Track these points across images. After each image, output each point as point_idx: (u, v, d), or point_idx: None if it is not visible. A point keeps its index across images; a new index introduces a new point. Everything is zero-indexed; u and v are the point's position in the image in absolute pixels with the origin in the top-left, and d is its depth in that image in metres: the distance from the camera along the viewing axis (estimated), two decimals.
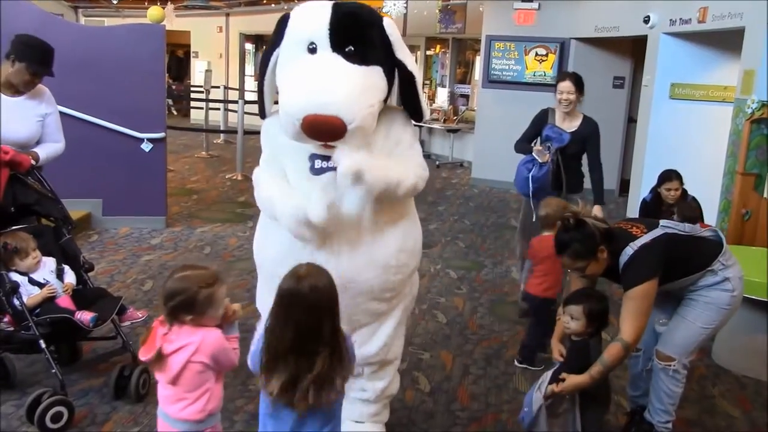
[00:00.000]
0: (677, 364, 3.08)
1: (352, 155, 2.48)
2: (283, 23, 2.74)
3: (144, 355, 2.35)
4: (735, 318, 3.77)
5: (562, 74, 4.86)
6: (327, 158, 2.64)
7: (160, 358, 2.31)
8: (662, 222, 3.13)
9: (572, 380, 2.83)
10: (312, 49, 2.59)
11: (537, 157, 4.60)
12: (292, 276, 2.10)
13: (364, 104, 2.49)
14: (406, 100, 2.86)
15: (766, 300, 3.95)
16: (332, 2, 2.69)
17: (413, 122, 2.93)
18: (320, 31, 2.58)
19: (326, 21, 2.58)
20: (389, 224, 2.77)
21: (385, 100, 2.77)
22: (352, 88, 2.48)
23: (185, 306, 2.29)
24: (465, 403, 3.67)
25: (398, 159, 2.74)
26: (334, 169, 2.58)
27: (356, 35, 2.60)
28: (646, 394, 3.27)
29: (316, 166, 2.67)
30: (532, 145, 4.79)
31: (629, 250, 2.92)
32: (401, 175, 2.65)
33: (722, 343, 4.32)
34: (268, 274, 2.91)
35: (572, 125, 4.73)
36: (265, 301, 3.00)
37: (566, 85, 4.67)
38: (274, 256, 2.84)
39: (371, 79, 2.59)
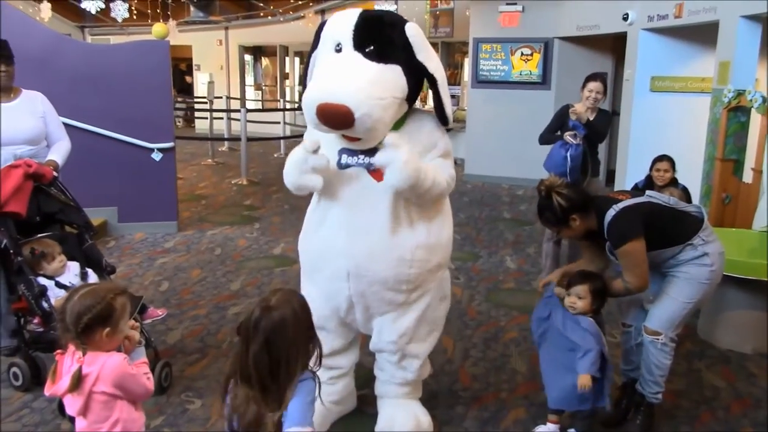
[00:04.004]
0: (664, 337, 3.19)
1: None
2: (319, 29, 2.96)
3: (49, 389, 2.15)
4: (718, 295, 3.94)
5: (593, 74, 5.23)
6: (353, 153, 2.86)
7: (80, 378, 2.10)
8: (648, 192, 3.30)
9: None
10: (338, 49, 2.81)
11: (570, 140, 5.02)
12: (263, 309, 2.00)
13: (373, 95, 2.63)
14: (434, 103, 2.96)
15: (746, 278, 4.08)
16: (361, 9, 2.91)
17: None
18: (346, 33, 2.79)
19: (352, 23, 2.79)
20: (409, 219, 2.92)
21: (410, 102, 2.91)
22: (362, 81, 2.65)
23: (103, 317, 2.11)
24: (466, 383, 3.81)
25: (432, 165, 2.88)
26: (359, 165, 2.85)
27: (376, 35, 2.78)
28: (637, 368, 3.37)
29: (342, 161, 2.88)
30: (557, 134, 5.18)
31: (611, 212, 3.07)
32: (435, 181, 2.81)
33: (707, 319, 4.47)
34: (301, 261, 3.23)
35: (591, 117, 5.19)
36: (304, 290, 3.23)
37: (597, 85, 5.14)
38: (301, 238, 3.18)
39: (387, 75, 2.74)
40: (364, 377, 3.43)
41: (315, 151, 2.77)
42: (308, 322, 2.07)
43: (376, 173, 2.85)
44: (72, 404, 2.17)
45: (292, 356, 1.98)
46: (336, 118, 2.62)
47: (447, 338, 4.39)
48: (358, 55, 2.76)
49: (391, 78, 2.77)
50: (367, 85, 2.65)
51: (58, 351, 2.19)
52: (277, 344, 1.95)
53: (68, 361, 2.15)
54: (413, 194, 2.79)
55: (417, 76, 2.87)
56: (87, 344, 2.12)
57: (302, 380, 2.02)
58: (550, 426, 3.29)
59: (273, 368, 1.96)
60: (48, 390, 2.17)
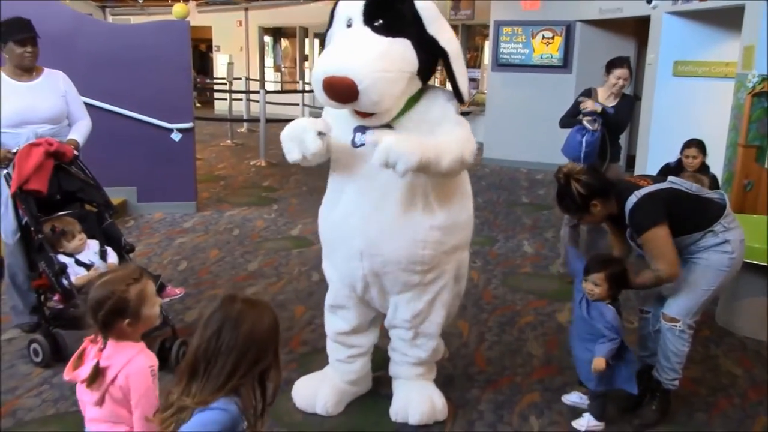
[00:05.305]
0: (682, 324, 3.17)
1: (382, 133, 2.65)
2: (334, 8, 2.97)
3: (68, 374, 2.12)
4: (736, 282, 3.91)
5: (619, 60, 5.10)
6: (367, 131, 2.85)
7: (98, 373, 2.05)
8: (671, 178, 3.26)
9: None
10: (349, 25, 2.82)
11: (588, 126, 4.93)
12: (226, 299, 1.88)
13: (378, 68, 2.62)
14: (449, 78, 2.90)
15: (766, 265, 4.05)
16: None
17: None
18: (357, 8, 2.79)
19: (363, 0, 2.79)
20: (425, 200, 2.90)
21: (424, 77, 2.88)
22: (368, 54, 2.65)
23: (118, 310, 2.05)
24: (481, 367, 3.83)
25: (442, 136, 2.82)
26: (373, 144, 2.78)
27: (386, 9, 2.77)
28: (653, 354, 3.35)
29: (356, 140, 2.89)
30: (579, 117, 5.08)
31: (633, 198, 3.06)
32: (440, 150, 2.69)
33: (725, 306, 4.45)
34: (321, 240, 3.24)
35: (614, 101, 5.10)
36: (324, 268, 3.29)
37: (624, 72, 5.04)
38: (319, 217, 3.18)
39: (395, 49, 2.73)
40: (380, 359, 3.45)
41: (320, 133, 2.76)
42: (265, 343, 1.84)
43: None
44: (86, 392, 2.11)
45: (233, 360, 1.78)
46: (340, 90, 2.63)
47: (463, 322, 4.40)
48: (367, 30, 2.76)
49: (400, 52, 2.75)
50: (372, 58, 2.64)
51: (89, 337, 2.14)
52: (227, 337, 1.78)
53: (92, 351, 2.11)
54: (429, 172, 2.72)
55: (429, 51, 2.83)
56: (110, 335, 2.08)
57: (215, 408, 1.77)
58: (574, 395, 3.42)
59: (211, 358, 1.79)
60: (68, 374, 2.13)
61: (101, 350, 2.07)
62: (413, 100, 2.90)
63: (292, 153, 2.79)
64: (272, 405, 1.92)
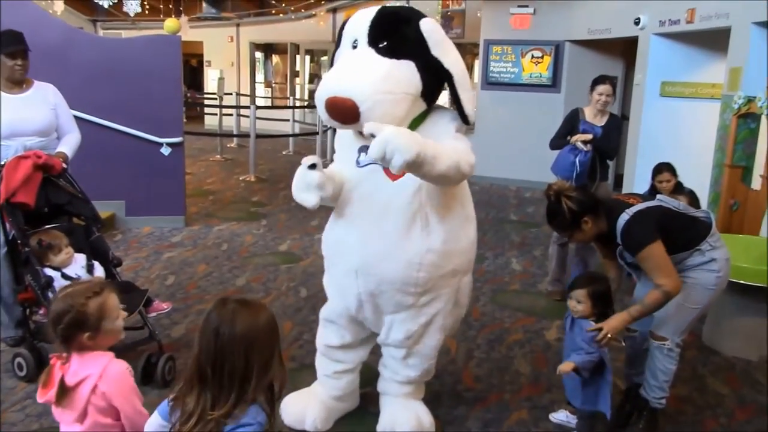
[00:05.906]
0: (670, 343, 3.18)
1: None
2: (342, 28, 2.98)
3: (42, 396, 2.08)
4: (724, 302, 3.95)
5: (601, 78, 5.17)
6: None
7: (64, 391, 2.03)
8: (659, 196, 3.30)
9: (612, 323, 2.95)
10: (355, 46, 2.84)
11: (581, 146, 4.98)
12: (219, 301, 1.87)
13: (381, 90, 2.63)
14: (454, 100, 2.90)
15: (754, 285, 4.05)
16: (380, 6, 2.91)
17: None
18: (362, 29, 2.81)
19: (368, 20, 2.80)
20: (424, 222, 2.88)
21: (428, 99, 2.90)
22: (371, 75, 2.66)
23: (76, 324, 2.02)
24: (469, 384, 3.82)
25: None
26: (376, 163, 2.76)
27: (390, 31, 2.78)
28: (641, 372, 3.36)
29: (360, 159, 2.91)
30: (568, 138, 5.12)
31: (625, 216, 3.05)
32: (439, 152, 2.61)
33: (712, 326, 4.45)
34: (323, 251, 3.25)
35: (602, 120, 5.16)
36: (324, 282, 3.28)
37: (607, 88, 5.08)
38: (324, 229, 3.19)
39: (398, 71, 2.73)
40: (368, 375, 3.44)
41: (312, 167, 2.78)
42: (266, 340, 1.82)
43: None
44: (68, 408, 2.07)
45: (241, 362, 1.77)
46: (342, 111, 2.65)
47: (450, 339, 4.36)
48: (371, 51, 2.77)
49: (404, 74, 2.75)
50: (375, 79, 2.65)
51: (54, 354, 2.12)
52: (226, 335, 1.77)
53: (59, 365, 2.09)
54: (424, 172, 2.62)
55: (434, 73, 2.83)
56: (71, 348, 2.07)
57: (246, 423, 1.77)
58: (561, 414, 3.42)
59: (216, 359, 1.77)
60: (41, 397, 2.10)
61: (64, 365, 2.05)
62: (418, 122, 2.89)
63: (308, 199, 2.83)
64: (279, 400, 1.91)
